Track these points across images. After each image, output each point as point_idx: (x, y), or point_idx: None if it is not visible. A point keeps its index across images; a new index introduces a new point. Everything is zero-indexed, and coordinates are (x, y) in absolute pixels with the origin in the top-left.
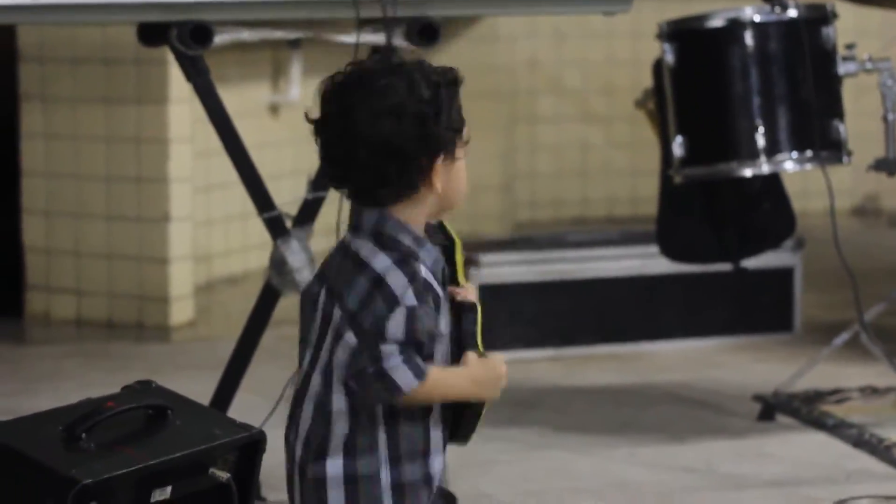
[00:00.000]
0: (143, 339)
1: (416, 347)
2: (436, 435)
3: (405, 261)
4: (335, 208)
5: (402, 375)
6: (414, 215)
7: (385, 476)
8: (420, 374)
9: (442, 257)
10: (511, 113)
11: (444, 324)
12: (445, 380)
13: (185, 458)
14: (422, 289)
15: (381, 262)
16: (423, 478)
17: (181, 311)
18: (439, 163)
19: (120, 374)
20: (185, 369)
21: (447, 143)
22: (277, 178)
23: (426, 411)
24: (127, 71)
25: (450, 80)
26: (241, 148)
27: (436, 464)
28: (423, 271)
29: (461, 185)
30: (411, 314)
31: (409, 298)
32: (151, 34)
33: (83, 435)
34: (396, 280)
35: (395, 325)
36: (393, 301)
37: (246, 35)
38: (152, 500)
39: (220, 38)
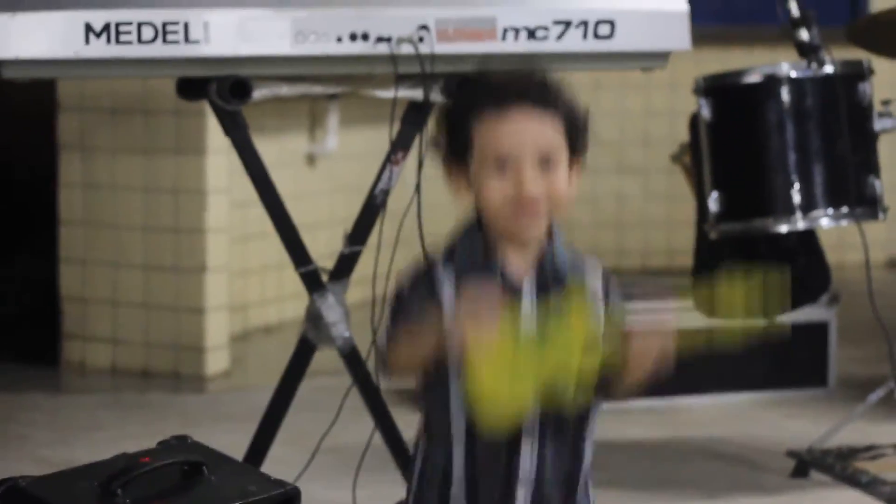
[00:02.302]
0: (178, 389)
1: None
2: (458, 461)
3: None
4: (372, 258)
5: (382, 335)
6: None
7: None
8: (392, 333)
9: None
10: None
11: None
12: (410, 337)
13: None
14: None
15: None
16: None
17: (217, 361)
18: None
19: (156, 424)
20: (221, 420)
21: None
22: (314, 229)
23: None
24: (166, 122)
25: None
26: (278, 201)
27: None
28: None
29: (485, 203)
30: (397, 298)
31: (403, 287)
32: (191, 88)
33: (119, 491)
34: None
35: (389, 310)
36: None
37: (285, 90)
38: None
39: (258, 94)
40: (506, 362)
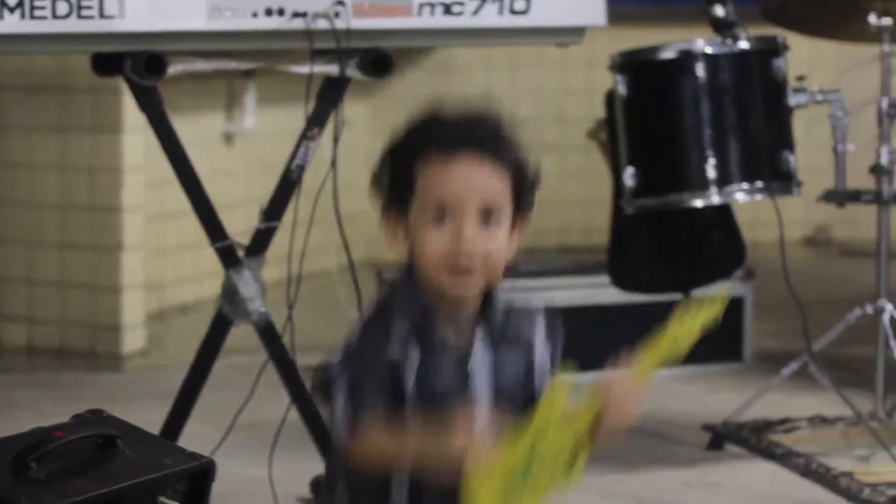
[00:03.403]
0: (94, 368)
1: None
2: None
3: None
4: (288, 237)
5: (339, 421)
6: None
7: None
8: (355, 430)
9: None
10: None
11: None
12: (386, 437)
13: (134, 486)
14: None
15: None
16: None
17: (133, 340)
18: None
19: (72, 402)
20: (137, 398)
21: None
22: (231, 208)
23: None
24: (81, 100)
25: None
26: (193, 178)
27: None
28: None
29: (421, 254)
30: (348, 356)
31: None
32: (106, 64)
33: (33, 464)
34: None
35: (346, 362)
36: None
37: (200, 65)
38: None
39: (174, 69)
40: (510, 478)
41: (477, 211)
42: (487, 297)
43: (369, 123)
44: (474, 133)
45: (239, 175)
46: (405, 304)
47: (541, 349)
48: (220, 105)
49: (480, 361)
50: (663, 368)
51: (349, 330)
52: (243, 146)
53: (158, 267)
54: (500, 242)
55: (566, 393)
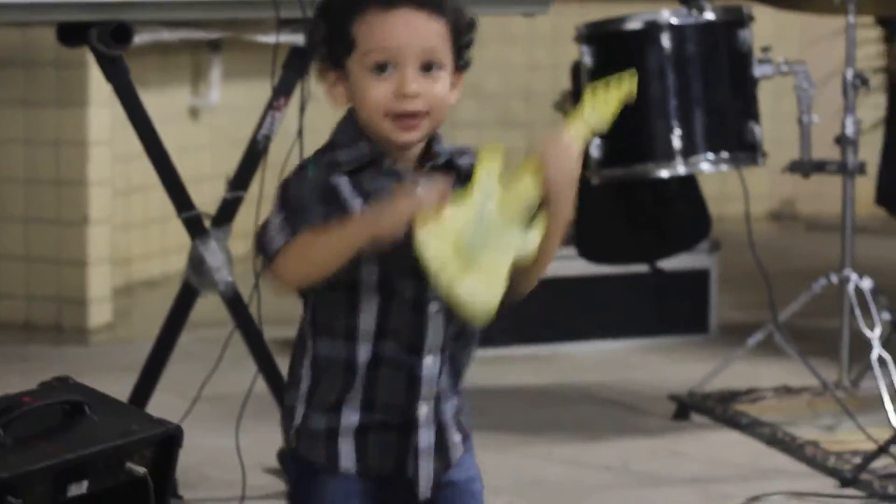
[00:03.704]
0: (60, 342)
1: (295, 212)
2: (355, 386)
3: (317, 152)
4: (254, 211)
5: (271, 234)
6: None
7: (297, 417)
8: (294, 229)
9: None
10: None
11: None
12: (328, 228)
13: (101, 452)
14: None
15: None
16: (325, 431)
17: (99, 314)
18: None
19: (38, 375)
20: (103, 371)
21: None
22: (197, 182)
23: (348, 357)
24: (47, 73)
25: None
26: (160, 147)
27: (347, 420)
28: (328, 161)
29: (365, 107)
30: (285, 184)
31: (292, 174)
32: (71, 34)
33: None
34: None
35: (277, 196)
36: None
37: (166, 35)
38: (69, 494)
39: (140, 39)
40: (462, 231)
41: (417, 62)
42: (430, 144)
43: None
44: None
45: (205, 150)
46: (349, 145)
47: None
48: (185, 80)
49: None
50: (593, 136)
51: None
52: (209, 121)
53: (125, 241)
54: (441, 88)
55: (499, 155)
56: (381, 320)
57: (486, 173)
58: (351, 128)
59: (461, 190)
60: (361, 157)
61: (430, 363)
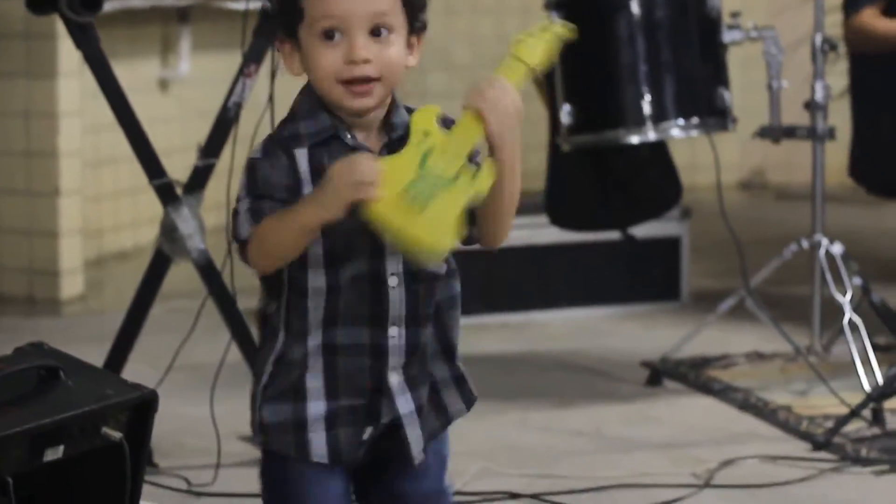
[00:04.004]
0: (33, 313)
1: (259, 198)
2: (314, 381)
3: (280, 123)
4: (224, 184)
5: (240, 222)
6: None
7: (261, 412)
8: (257, 219)
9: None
10: (400, 89)
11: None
12: (282, 215)
13: (76, 417)
14: (274, 145)
15: None
16: (292, 423)
17: (71, 285)
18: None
19: (10, 346)
20: (76, 342)
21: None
22: (167, 154)
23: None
24: (16, 45)
25: None
26: (131, 115)
27: (313, 410)
28: (289, 133)
29: (316, 76)
30: (250, 165)
31: (256, 152)
32: (40, 2)
33: None
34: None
35: (244, 179)
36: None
37: (136, 1)
38: (44, 459)
39: (109, 6)
40: (407, 180)
41: (366, 27)
42: (389, 111)
43: None
44: None
45: (174, 122)
46: (309, 117)
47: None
48: (154, 51)
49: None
50: (527, 85)
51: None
52: (178, 92)
53: (95, 213)
54: (395, 52)
55: (432, 113)
56: (330, 305)
57: (422, 129)
58: (310, 99)
59: (400, 150)
60: (323, 130)
61: (394, 334)
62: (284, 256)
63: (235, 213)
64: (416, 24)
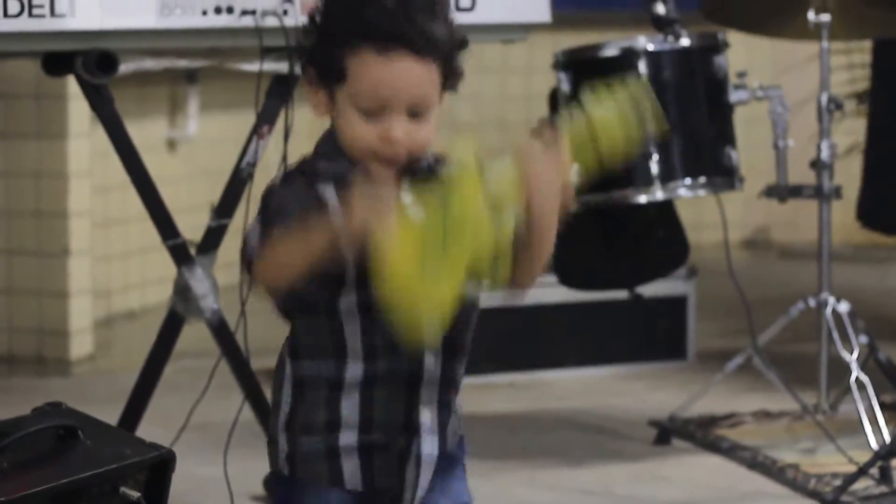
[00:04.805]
0: (43, 374)
1: (273, 221)
2: (349, 405)
3: (301, 160)
4: (238, 242)
5: (251, 238)
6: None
7: (282, 444)
8: (269, 236)
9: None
10: None
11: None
12: (296, 230)
13: (96, 476)
14: (295, 175)
15: None
16: (325, 452)
17: (81, 345)
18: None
19: (21, 407)
20: (87, 402)
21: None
22: (175, 214)
23: (335, 379)
24: (26, 105)
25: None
26: (145, 175)
27: (347, 439)
28: (310, 169)
29: (349, 141)
30: (268, 192)
31: (275, 180)
32: (57, 64)
33: None
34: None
35: (260, 205)
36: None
37: (150, 64)
38: None
39: (125, 67)
40: (421, 246)
41: (406, 108)
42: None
43: (306, 130)
44: (408, 33)
45: (182, 181)
46: (330, 159)
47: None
48: (163, 111)
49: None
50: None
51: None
52: (186, 153)
53: (104, 273)
54: (426, 132)
55: (475, 167)
56: (368, 339)
57: (458, 163)
58: (332, 142)
59: (429, 185)
60: (342, 173)
61: (430, 363)
62: (293, 273)
63: (246, 236)
64: (450, 83)
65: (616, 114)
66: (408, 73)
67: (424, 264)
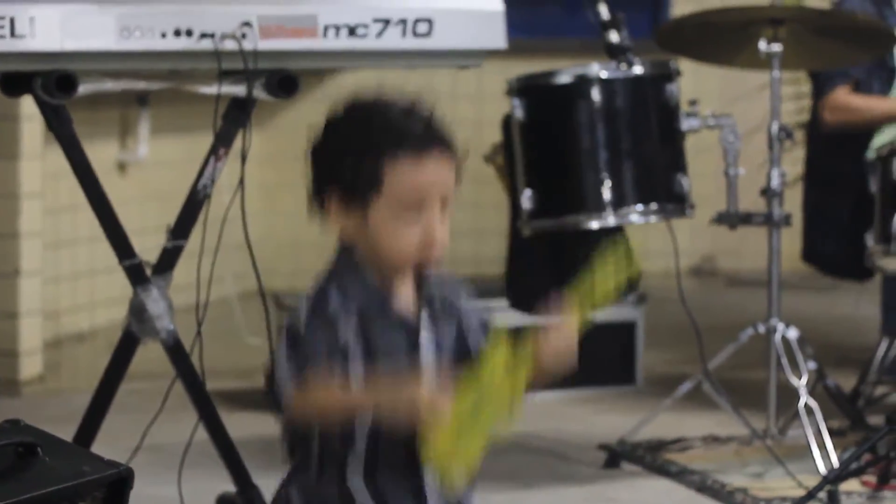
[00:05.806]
0: None
1: (304, 368)
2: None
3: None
4: (194, 264)
5: (282, 373)
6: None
7: None
8: (299, 386)
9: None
10: None
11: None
12: (331, 394)
13: (54, 493)
14: (318, 319)
15: None
16: None
17: (30, 366)
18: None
19: None
20: (38, 422)
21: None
22: None
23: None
24: None
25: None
26: (102, 196)
27: None
28: (332, 305)
29: (393, 246)
30: (293, 337)
31: (299, 324)
32: (15, 84)
33: None
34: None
35: (285, 347)
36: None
37: (109, 85)
38: None
39: (84, 88)
40: (462, 423)
41: (440, 203)
42: (422, 274)
43: (260, 154)
44: (435, 133)
45: (133, 204)
46: (350, 286)
47: (466, 310)
48: (113, 134)
49: (426, 339)
50: (592, 320)
51: (291, 319)
52: (137, 175)
53: (54, 294)
54: (447, 227)
55: (505, 344)
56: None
57: (490, 363)
58: (347, 260)
59: (467, 374)
60: (369, 298)
61: (430, 480)
62: (330, 420)
63: (273, 370)
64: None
65: (612, 276)
66: (440, 168)
67: (459, 437)
